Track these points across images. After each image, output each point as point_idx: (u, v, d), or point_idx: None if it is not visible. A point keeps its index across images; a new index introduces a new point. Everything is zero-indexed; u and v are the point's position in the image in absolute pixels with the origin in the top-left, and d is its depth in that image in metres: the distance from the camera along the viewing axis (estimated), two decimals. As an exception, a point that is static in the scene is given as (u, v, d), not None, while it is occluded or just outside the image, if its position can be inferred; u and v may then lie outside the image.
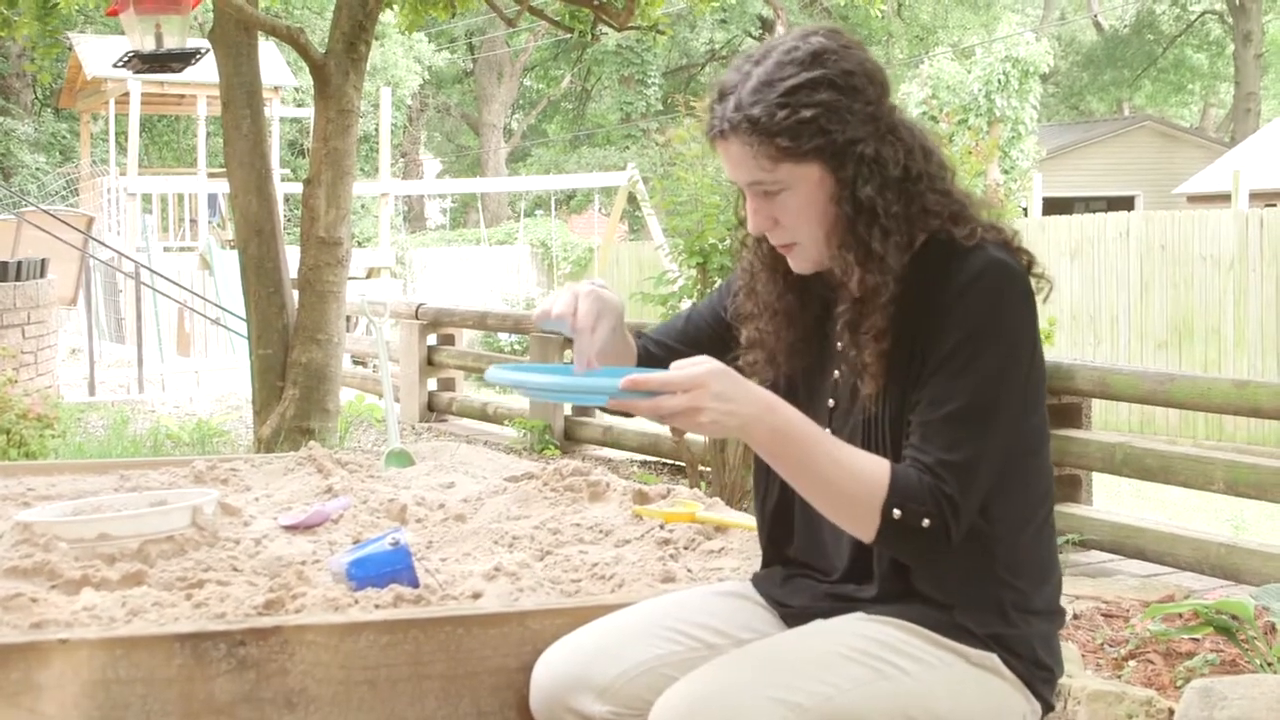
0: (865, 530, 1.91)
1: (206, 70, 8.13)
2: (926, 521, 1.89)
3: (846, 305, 2.04)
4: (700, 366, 1.85)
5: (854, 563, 2.07)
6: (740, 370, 2.14)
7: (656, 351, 2.31)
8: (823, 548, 2.14)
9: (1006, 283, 1.96)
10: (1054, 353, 7.82)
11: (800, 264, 2.08)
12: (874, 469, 1.91)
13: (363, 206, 25.46)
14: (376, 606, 2.30)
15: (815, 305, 2.15)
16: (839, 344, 2.11)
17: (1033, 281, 2.02)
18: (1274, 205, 16.27)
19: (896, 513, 1.88)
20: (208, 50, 7.46)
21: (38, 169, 25.99)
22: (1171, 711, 3.28)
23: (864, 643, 1.95)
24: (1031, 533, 2.05)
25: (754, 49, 2.07)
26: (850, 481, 1.90)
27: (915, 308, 1.98)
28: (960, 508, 1.90)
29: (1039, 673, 2.03)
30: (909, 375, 1.98)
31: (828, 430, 2.05)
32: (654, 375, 1.84)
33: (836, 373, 2.12)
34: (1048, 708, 2.07)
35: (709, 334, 2.30)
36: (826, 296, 2.13)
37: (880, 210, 1.98)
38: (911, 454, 1.94)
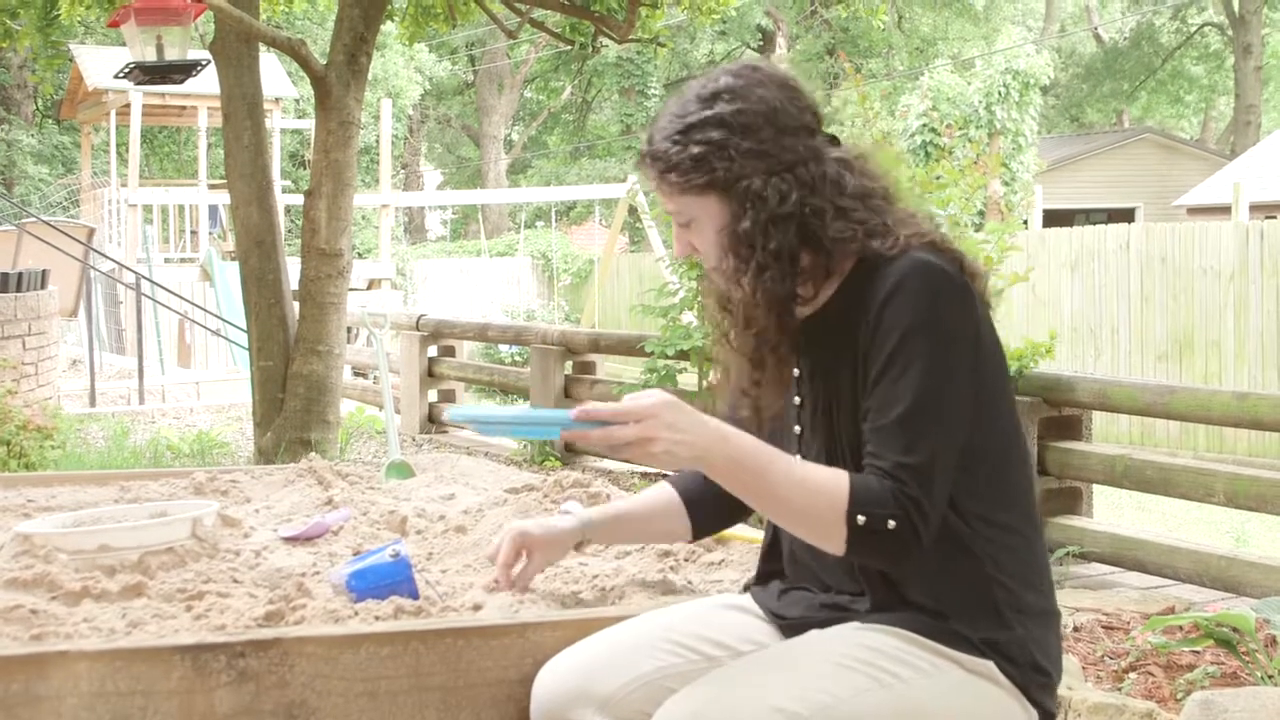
0: (834, 543, 1.94)
1: (207, 82, 8.15)
2: (892, 523, 1.91)
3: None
4: (652, 397, 1.93)
5: (845, 578, 2.09)
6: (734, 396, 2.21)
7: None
8: (811, 566, 2.16)
9: (931, 279, 1.99)
10: (1054, 365, 7.81)
11: (728, 287, 2.14)
12: (833, 481, 1.94)
13: (363, 218, 25.49)
14: (377, 618, 2.30)
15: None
16: (795, 371, 2.15)
17: (968, 279, 2.04)
18: (1274, 217, 16.29)
19: (861, 519, 1.91)
20: (209, 62, 7.48)
21: (40, 180, 26.03)
22: (1172, 724, 3.28)
23: (862, 651, 1.96)
24: (1014, 531, 2.05)
25: (679, 92, 2.16)
26: (811, 497, 1.93)
27: (851, 324, 2.03)
28: (924, 507, 1.92)
29: (1036, 678, 2.03)
30: (857, 391, 2.02)
31: (797, 455, 2.10)
32: (606, 406, 1.92)
33: (798, 399, 2.15)
34: (1046, 715, 2.06)
35: None
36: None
37: (757, 245, 2.05)
38: (869, 461, 1.97)
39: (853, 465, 2.01)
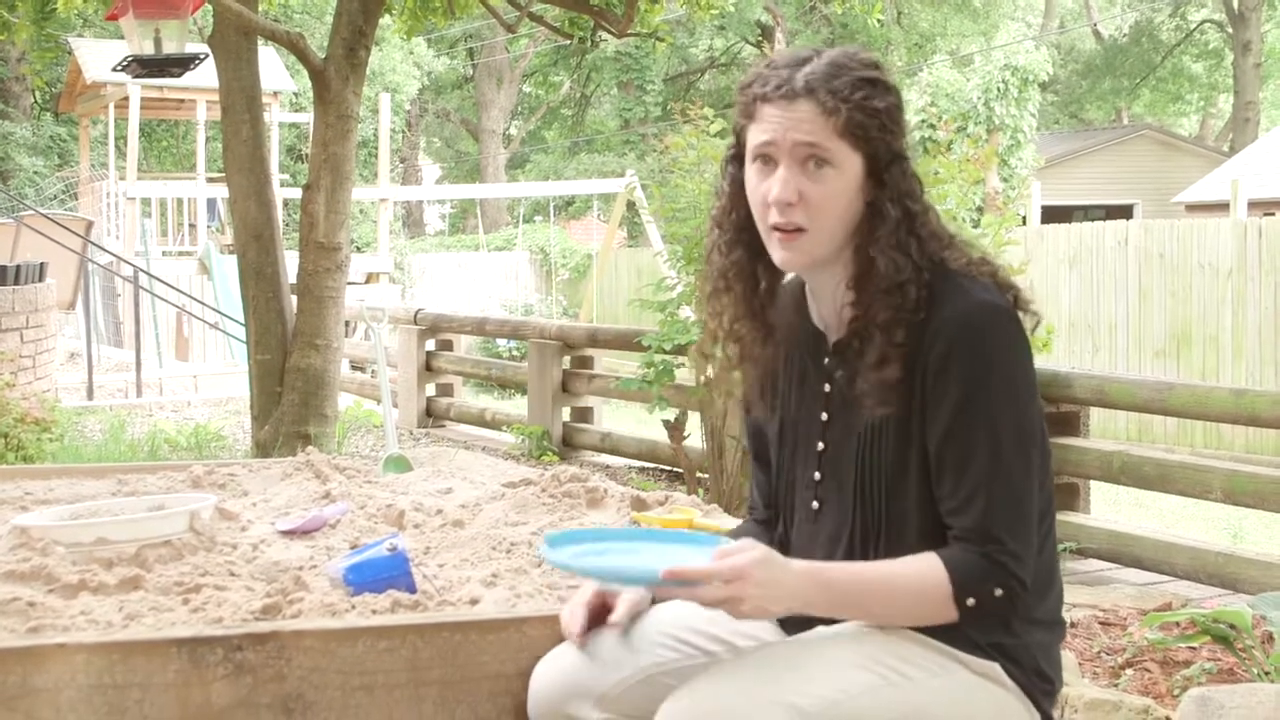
0: (947, 622, 1.97)
1: (206, 75, 8.14)
2: (999, 592, 1.94)
3: (866, 318, 2.04)
4: (744, 557, 1.88)
5: None
6: (744, 401, 2.18)
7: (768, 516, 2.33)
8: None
9: (998, 326, 1.99)
10: (1052, 361, 7.79)
11: (796, 254, 2.06)
12: (930, 572, 1.95)
13: (361, 212, 25.45)
14: (374, 612, 2.30)
15: (796, 357, 2.18)
16: (826, 387, 2.12)
17: (1022, 317, 2.05)
18: (1272, 214, 16.28)
19: (970, 602, 1.94)
20: (207, 55, 7.46)
21: (35, 173, 25.98)
22: (1169, 720, 3.28)
23: (869, 649, 1.96)
24: (1035, 541, 2.05)
25: (798, 50, 2.09)
26: (915, 597, 1.95)
27: (909, 339, 2.01)
28: (1022, 558, 1.95)
29: (1040, 683, 2.04)
30: (910, 422, 2.01)
31: (816, 474, 2.10)
32: (695, 568, 1.88)
33: (825, 415, 2.13)
34: (1047, 719, 2.07)
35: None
36: (811, 338, 2.16)
37: (919, 224, 2.03)
38: (958, 531, 1.97)
39: (881, 490, 2.03)
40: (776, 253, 2.07)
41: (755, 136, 2.05)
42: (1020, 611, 1.98)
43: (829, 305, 2.12)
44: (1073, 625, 4.47)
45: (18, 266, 9.13)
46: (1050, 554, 2.09)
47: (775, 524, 2.29)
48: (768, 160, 2.05)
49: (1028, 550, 1.96)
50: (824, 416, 2.13)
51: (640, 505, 3.20)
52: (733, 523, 3.04)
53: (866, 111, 2.00)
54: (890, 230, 2.02)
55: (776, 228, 2.05)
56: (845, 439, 2.09)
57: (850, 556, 2.08)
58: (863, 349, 2.04)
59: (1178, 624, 4.08)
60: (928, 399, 1.99)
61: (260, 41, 7.54)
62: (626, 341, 8.58)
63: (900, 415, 2.01)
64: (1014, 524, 1.95)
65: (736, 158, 2.14)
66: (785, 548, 2.22)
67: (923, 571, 1.95)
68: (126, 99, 18.87)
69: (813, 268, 2.09)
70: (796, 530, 2.19)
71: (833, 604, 1.94)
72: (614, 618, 2.12)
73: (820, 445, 2.13)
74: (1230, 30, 35.61)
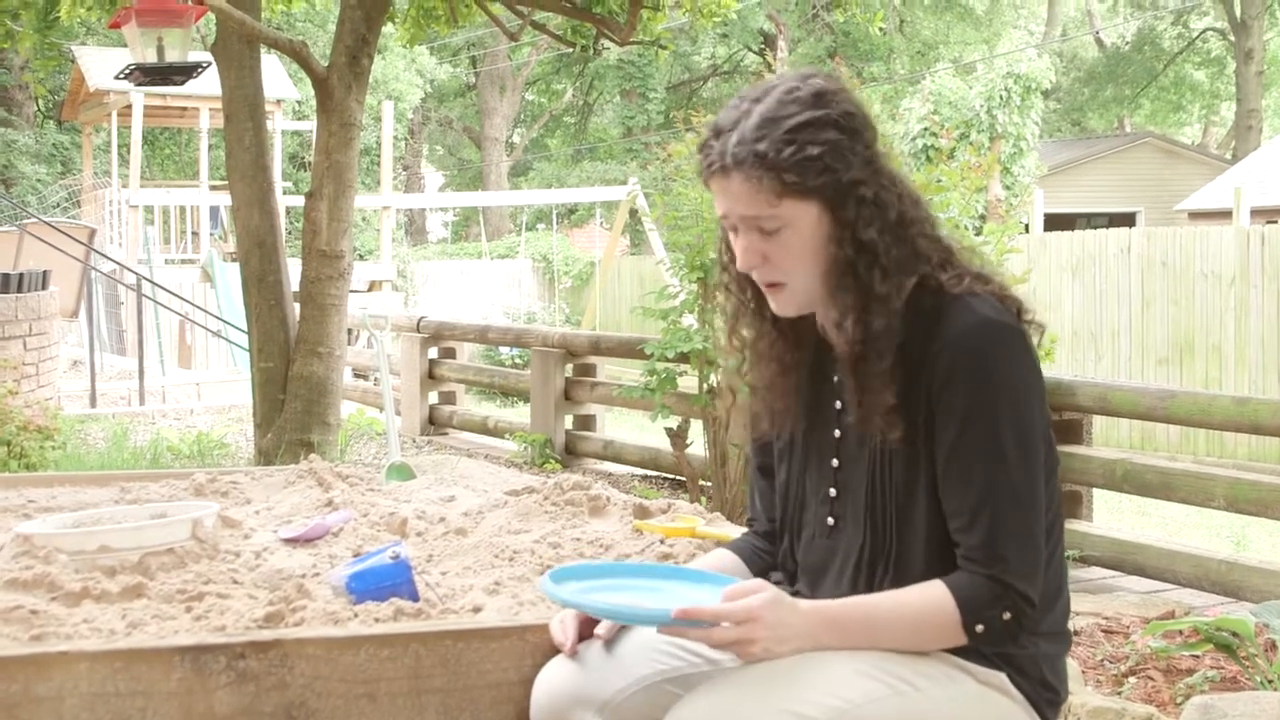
0: (957, 645, 1.98)
1: (209, 83, 8.14)
2: (1007, 615, 1.95)
3: (846, 351, 2.04)
4: (754, 599, 1.90)
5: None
6: (753, 419, 2.18)
7: (769, 529, 2.33)
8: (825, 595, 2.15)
9: (1002, 344, 1.98)
10: (1055, 369, 7.80)
11: (784, 305, 2.09)
12: (937, 603, 1.95)
13: (364, 220, 25.48)
14: (376, 620, 2.30)
15: (809, 356, 2.18)
16: (838, 403, 2.13)
17: (1027, 330, 2.04)
18: (1275, 222, 16.27)
19: (979, 628, 1.94)
20: (210, 63, 7.47)
21: (38, 181, 26.01)
22: (1172, 729, 3.28)
23: (876, 658, 1.96)
24: (1042, 558, 2.05)
25: (751, 88, 2.07)
26: (923, 629, 1.96)
27: (910, 362, 2.01)
28: (1029, 576, 1.95)
29: (1045, 694, 2.04)
30: (915, 438, 2.01)
31: (831, 490, 2.10)
32: (707, 608, 1.90)
33: (838, 432, 2.14)
34: (1052, 732, 2.07)
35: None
36: (821, 356, 2.16)
37: (880, 252, 2.01)
38: (964, 554, 1.97)
39: (891, 508, 2.03)
40: (770, 303, 2.11)
41: (716, 207, 2.08)
42: (1028, 625, 1.98)
43: (831, 333, 2.13)
44: (1076, 633, 4.47)
45: (21, 274, 9.13)
46: (1058, 567, 2.09)
47: (777, 537, 2.29)
48: (732, 227, 2.07)
49: (1035, 568, 1.96)
50: (836, 433, 2.14)
51: (643, 513, 3.20)
52: (735, 530, 3.04)
53: (801, 166, 1.97)
54: (855, 262, 2.01)
55: (762, 285, 2.10)
56: (858, 456, 2.10)
57: (859, 574, 2.09)
58: (853, 380, 2.05)
59: (1180, 632, 4.08)
60: (934, 418, 1.99)
61: (263, 49, 7.55)
62: (629, 349, 8.58)
63: (908, 436, 2.01)
64: (1021, 541, 1.94)
65: None
66: (792, 562, 2.22)
67: (929, 602, 1.95)
68: (129, 107, 18.89)
69: (808, 309, 2.11)
70: (808, 545, 2.19)
71: (841, 642, 1.95)
72: (599, 630, 2.13)
73: (835, 462, 2.14)
74: (1232, 38, 35.63)
